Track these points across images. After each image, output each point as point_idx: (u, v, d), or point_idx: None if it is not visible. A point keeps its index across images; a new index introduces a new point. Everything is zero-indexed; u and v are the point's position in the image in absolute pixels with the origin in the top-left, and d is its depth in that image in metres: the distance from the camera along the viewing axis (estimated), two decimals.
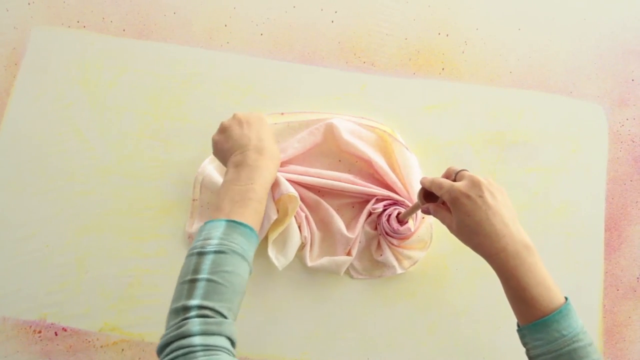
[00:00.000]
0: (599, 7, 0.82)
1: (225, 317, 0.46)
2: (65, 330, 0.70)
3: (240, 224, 0.52)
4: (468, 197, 0.53)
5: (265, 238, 0.69)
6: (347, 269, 0.71)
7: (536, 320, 0.50)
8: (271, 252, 0.68)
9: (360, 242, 0.71)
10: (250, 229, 0.53)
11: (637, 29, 0.82)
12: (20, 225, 0.73)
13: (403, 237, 0.69)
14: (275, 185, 0.67)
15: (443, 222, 0.57)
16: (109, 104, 0.76)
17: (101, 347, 0.70)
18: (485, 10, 0.81)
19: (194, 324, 0.44)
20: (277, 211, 0.67)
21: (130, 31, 0.79)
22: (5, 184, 0.74)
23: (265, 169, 0.60)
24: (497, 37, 0.80)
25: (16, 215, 0.73)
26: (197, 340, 0.43)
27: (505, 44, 0.80)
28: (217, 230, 0.51)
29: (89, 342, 0.70)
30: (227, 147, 0.62)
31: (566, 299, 0.50)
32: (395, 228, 0.68)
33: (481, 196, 0.52)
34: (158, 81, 0.77)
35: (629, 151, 0.78)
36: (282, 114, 0.75)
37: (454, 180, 0.56)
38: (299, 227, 0.70)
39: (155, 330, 0.70)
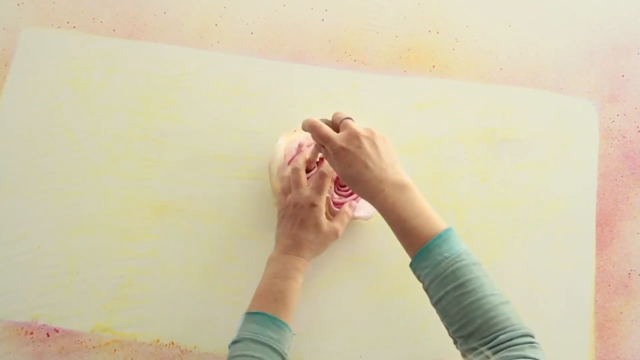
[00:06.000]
0: (589, 4, 0.82)
1: None
2: (57, 331, 0.70)
3: (255, 313, 0.58)
4: (346, 150, 0.56)
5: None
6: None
7: (420, 249, 0.52)
8: None
9: None
10: (263, 314, 0.58)
11: (627, 25, 0.82)
12: (11, 227, 0.73)
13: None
14: None
15: (335, 170, 0.60)
16: (100, 104, 0.76)
17: (93, 347, 0.70)
18: (475, 7, 0.81)
19: None
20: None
21: (121, 31, 0.79)
22: None
23: (289, 262, 0.63)
24: (488, 34, 0.80)
25: (7, 217, 0.73)
26: None
27: (496, 41, 0.80)
28: (240, 323, 0.59)
29: (81, 342, 0.70)
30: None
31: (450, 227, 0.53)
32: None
33: (359, 147, 0.56)
34: (149, 81, 0.77)
35: (620, 147, 0.78)
36: (295, 130, 0.74)
37: (339, 126, 0.59)
38: None
39: (148, 330, 0.70)
